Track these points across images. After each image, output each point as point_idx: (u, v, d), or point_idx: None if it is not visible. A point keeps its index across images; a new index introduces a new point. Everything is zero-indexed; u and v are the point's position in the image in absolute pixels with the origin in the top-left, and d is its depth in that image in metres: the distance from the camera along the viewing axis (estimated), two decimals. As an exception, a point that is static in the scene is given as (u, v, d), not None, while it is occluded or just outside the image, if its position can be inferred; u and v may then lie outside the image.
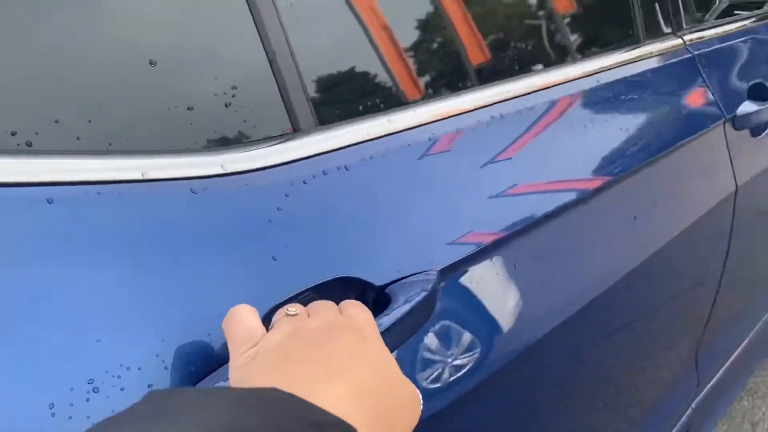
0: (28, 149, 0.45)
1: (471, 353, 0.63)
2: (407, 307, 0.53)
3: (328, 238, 0.55)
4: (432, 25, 0.77)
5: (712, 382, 1.31)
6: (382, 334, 0.46)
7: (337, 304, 0.48)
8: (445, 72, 0.77)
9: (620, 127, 0.89)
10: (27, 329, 0.39)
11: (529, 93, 0.79)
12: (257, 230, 0.52)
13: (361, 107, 0.65)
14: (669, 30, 1.10)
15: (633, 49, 1.01)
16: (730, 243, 1.15)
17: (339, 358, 0.40)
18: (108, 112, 0.49)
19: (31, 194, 0.42)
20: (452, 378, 0.60)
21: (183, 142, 0.52)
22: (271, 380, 0.38)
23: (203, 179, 0.50)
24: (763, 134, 1.11)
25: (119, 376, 0.41)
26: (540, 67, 0.87)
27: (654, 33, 1.08)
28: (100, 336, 0.41)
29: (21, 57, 0.45)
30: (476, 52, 0.81)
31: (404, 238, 0.60)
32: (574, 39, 0.98)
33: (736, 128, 1.09)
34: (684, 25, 1.11)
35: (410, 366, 0.58)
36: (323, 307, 0.45)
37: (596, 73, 0.90)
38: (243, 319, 0.43)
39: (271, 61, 0.57)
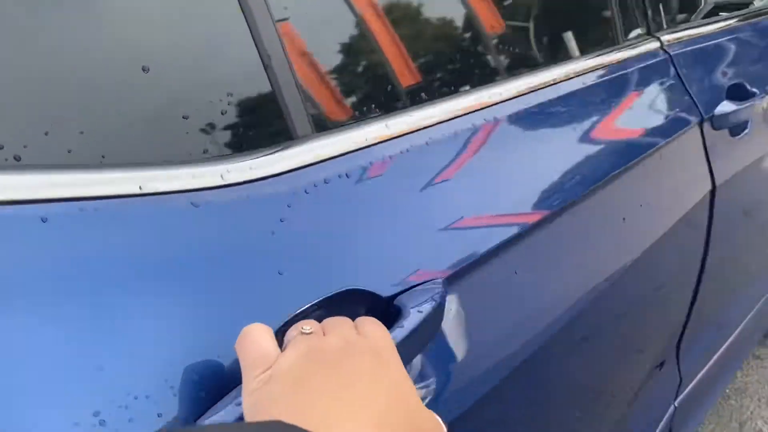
0: (17, 164, 0.41)
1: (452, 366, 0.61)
2: (419, 318, 0.51)
3: (333, 249, 0.53)
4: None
5: (694, 381, 1.32)
6: (398, 346, 0.44)
7: (349, 317, 0.46)
8: (453, 70, 0.76)
9: (590, 133, 0.87)
10: (28, 361, 0.36)
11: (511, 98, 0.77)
12: (261, 243, 0.49)
13: (357, 112, 0.63)
14: (645, 31, 1.11)
15: (609, 52, 1.00)
16: (709, 242, 1.16)
17: (359, 385, 0.37)
18: (100, 122, 0.46)
19: (23, 212, 0.39)
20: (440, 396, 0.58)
21: (179, 152, 0.49)
22: (285, 409, 0.36)
23: (203, 191, 0.47)
24: (742, 134, 1.12)
25: (126, 407, 0.38)
26: (520, 71, 0.86)
27: (630, 34, 1.08)
28: (102, 363, 0.38)
29: (6, 66, 0.42)
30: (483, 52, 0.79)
31: (408, 246, 0.58)
32: (544, 45, 0.96)
33: (714, 128, 1.10)
34: (664, 25, 1.12)
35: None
36: (339, 324, 0.43)
37: (570, 78, 0.88)
38: (256, 340, 0.41)
39: (267, 67, 0.55)
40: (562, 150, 0.82)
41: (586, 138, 0.86)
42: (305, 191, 0.53)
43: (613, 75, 0.97)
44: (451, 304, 0.59)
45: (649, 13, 1.08)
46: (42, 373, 0.36)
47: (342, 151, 0.57)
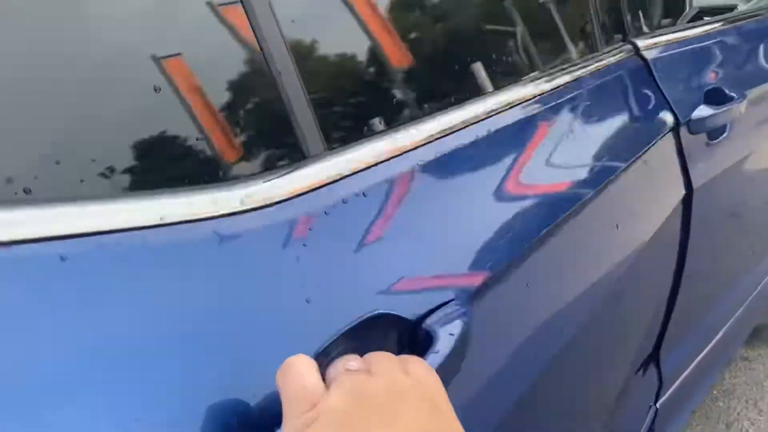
0: (27, 197, 0.38)
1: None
2: (451, 342, 0.49)
3: (358, 272, 0.50)
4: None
5: (676, 383, 1.33)
6: (437, 371, 0.42)
7: (379, 342, 0.43)
8: (458, 81, 0.74)
9: (560, 147, 0.85)
10: (40, 402, 0.32)
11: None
12: (287, 270, 0.46)
13: (367, 128, 0.60)
14: (621, 37, 1.11)
15: (583, 61, 0.97)
16: (686, 246, 1.17)
17: None
18: (112, 149, 0.42)
19: (40, 251, 0.35)
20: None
21: (194, 177, 0.46)
22: None
23: (224, 217, 0.44)
24: (720, 138, 1.14)
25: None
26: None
27: (605, 41, 1.08)
28: (137, 414, 0.35)
29: (11, 91, 0.38)
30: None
31: (427, 266, 0.56)
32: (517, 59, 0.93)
33: (691, 132, 1.11)
34: (643, 30, 1.13)
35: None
36: (384, 361, 0.40)
37: (543, 94, 0.85)
38: (301, 372, 0.38)
39: (276, 83, 0.52)
40: (535, 163, 0.79)
41: (556, 152, 0.83)
42: (325, 213, 0.51)
43: (587, 86, 0.95)
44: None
45: (627, 19, 1.09)
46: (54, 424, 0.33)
47: (356, 168, 0.55)
